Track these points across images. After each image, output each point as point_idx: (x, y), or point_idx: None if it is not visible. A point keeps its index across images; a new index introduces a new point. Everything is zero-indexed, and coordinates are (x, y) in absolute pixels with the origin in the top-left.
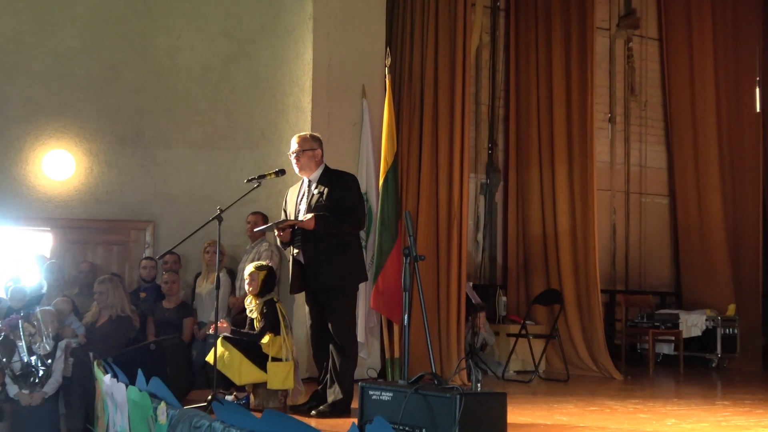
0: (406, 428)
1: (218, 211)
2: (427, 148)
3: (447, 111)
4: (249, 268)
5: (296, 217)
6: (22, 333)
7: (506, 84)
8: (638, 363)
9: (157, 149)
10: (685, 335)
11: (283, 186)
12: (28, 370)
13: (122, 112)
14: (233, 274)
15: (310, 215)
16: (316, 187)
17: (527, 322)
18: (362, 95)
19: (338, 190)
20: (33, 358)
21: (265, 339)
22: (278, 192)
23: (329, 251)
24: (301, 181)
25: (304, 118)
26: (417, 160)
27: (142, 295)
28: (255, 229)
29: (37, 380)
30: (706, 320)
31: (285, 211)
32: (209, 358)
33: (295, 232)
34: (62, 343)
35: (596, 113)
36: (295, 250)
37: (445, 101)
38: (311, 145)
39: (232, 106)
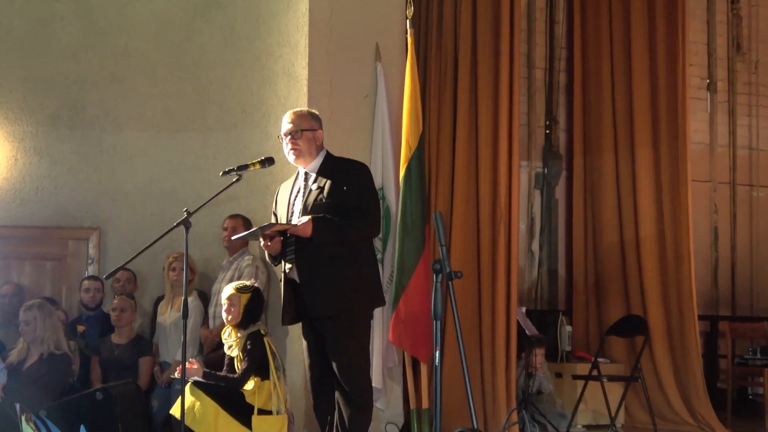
0: None
1: (185, 214)
2: (464, 128)
3: (489, 78)
4: (227, 290)
5: (289, 220)
6: None
7: (569, 40)
8: (750, 413)
9: (102, 132)
10: None
11: (271, 180)
12: None
13: (55, 82)
14: (206, 297)
15: (306, 218)
16: (315, 181)
17: (600, 359)
18: (375, 58)
19: (344, 185)
20: None
21: (249, 384)
22: (264, 188)
23: (333, 267)
24: (295, 174)
25: (298, 88)
26: (450, 143)
27: (80, 328)
28: (233, 237)
29: None
30: None
31: (275, 214)
32: (174, 410)
33: (287, 242)
34: None
35: (690, 79)
36: (288, 266)
37: (487, 64)
38: (310, 124)
39: (201, 74)
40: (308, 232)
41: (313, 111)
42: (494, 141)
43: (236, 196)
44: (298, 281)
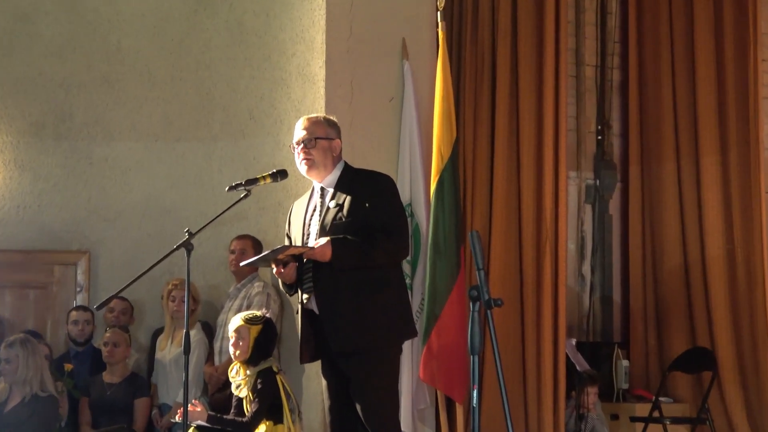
0: None
1: (186, 235)
2: (503, 134)
3: (532, 76)
4: (235, 322)
5: (304, 243)
6: None
7: (623, 33)
8: None
9: (91, 142)
10: None
11: (284, 196)
12: None
13: (38, 85)
14: (210, 330)
15: (324, 240)
16: (332, 197)
17: (662, 399)
18: (402, 56)
19: (366, 201)
20: None
21: (260, 429)
22: (276, 205)
23: (356, 295)
24: (310, 190)
25: (314, 91)
26: (488, 152)
27: (68, 367)
28: (242, 263)
29: None
30: None
31: (288, 236)
32: None
33: (303, 268)
34: None
35: (763, 76)
36: (305, 296)
37: (530, 61)
38: (326, 132)
39: (204, 75)
40: (327, 256)
41: (331, 117)
42: (538, 149)
43: (245, 215)
44: (316, 312)
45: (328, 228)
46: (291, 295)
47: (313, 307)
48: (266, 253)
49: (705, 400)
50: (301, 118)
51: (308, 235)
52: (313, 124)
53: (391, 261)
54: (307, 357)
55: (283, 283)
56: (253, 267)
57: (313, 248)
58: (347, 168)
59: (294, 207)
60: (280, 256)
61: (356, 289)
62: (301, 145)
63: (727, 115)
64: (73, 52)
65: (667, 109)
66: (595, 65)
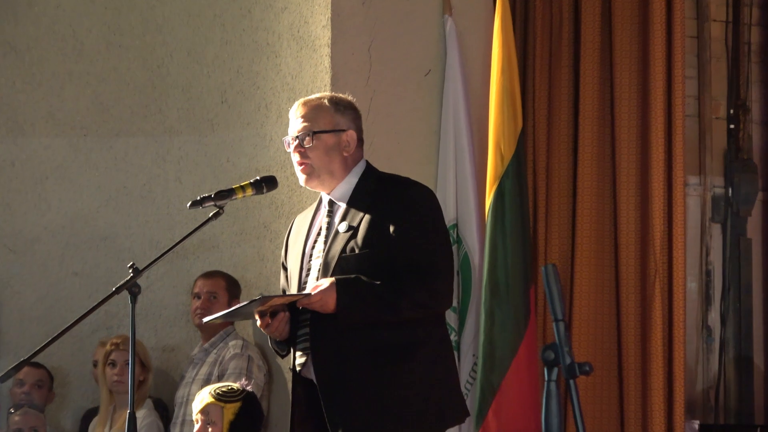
0: None
1: (130, 273)
2: (591, 123)
3: (632, 38)
4: (202, 398)
5: (303, 280)
6: None
7: None
8: None
9: None
10: None
11: (272, 215)
12: None
13: None
14: (164, 409)
15: (326, 282)
16: (344, 216)
17: None
18: (443, 10)
19: (392, 222)
20: None
21: None
22: (261, 227)
23: (372, 361)
24: (316, 202)
25: (316, 61)
26: (569, 149)
27: None
28: (205, 319)
29: None
30: None
31: (285, 268)
32: None
33: (298, 319)
34: None
35: None
36: (300, 359)
37: (628, 15)
38: (332, 121)
39: (153, 39)
40: (330, 306)
41: (341, 97)
42: (642, 145)
43: (215, 242)
44: (315, 382)
45: (333, 263)
46: (283, 357)
47: (311, 375)
48: (241, 305)
49: None
50: (298, 101)
51: (308, 270)
52: (313, 111)
53: (428, 311)
54: None
55: (272, 340)
56: (226, 322)
57: (309, 295)
58: (368, 172)
59: (294, 224)
60: (268, 306)
61: (372, 355)
62: (296, 143)
63: None
64: None
65: None
66: (725, 21)
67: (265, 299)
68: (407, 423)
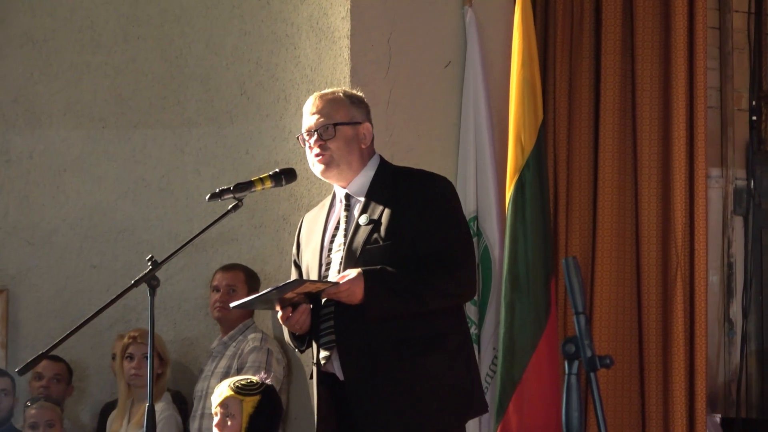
0: None
1: (149, 266)
2: (612, 115)
3: (654, 28)
4: (221, 391)
5: (323, 276)
6: None
7: None
8: None
9: (8, 131)
10: None
11: (291, 207)
12: None
13: None
14: (184, 402)
15: (353, 272)
16: (363, 209)
17: None
18: (463, 1)
19: (414, 215)
20: None
21: None
22: (280, 220)
23: (398, 356)
24: (329, 198)
25: (335, 53)
26: (590, 140)
27: None
28: (232, 304)
29: None
30: None
31: (297, 265)
32: None
33: (321, 312)
34: None
35: None
36: (323, 354)
37: (649, 9)
38: (350, 114)
39: (171, 32)
40: (358, 296)
41: (355, 93)
42: (663, 136)
43: (234, 235)
44: (340, 378)
45: (358, 254)
46: (302, 352)
47: (335, 370)
48: (269, 290)
49: None
50: (313, 95)
51: (328, 264)
52: (331, 104)
53: (450, 303)
54: None
55: (291, 334)
56: (246, 311)
57: (338, 284)
58: (384, 166)
59: (304, 222)
60: (288, 295)
61: (398, 348)
62: (314, 136)
63: None
64: None
65: None
66: (747, 11)
67: (296, 283)
68: (430, 416)
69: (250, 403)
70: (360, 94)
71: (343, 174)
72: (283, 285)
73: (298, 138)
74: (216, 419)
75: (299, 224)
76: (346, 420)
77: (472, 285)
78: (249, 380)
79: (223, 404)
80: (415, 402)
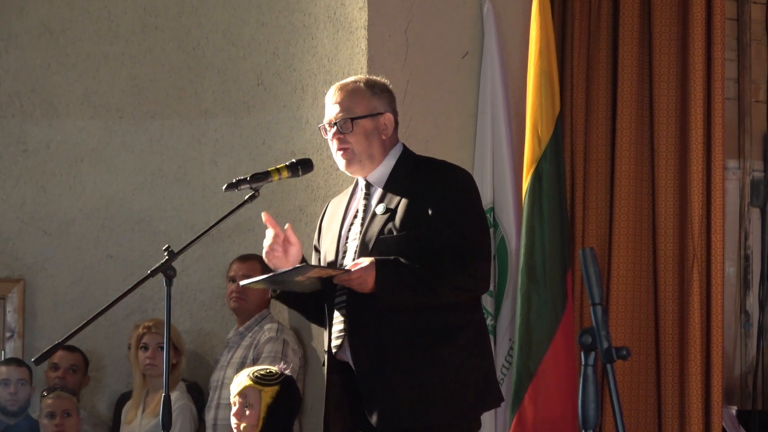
0: None
1: (165, 256)
2: (629, 106)
3: (672, 19)
4: (240, 381)
5: (340, 263)
6: None
7: None
8: None
9: (25, 121)
10: None
11: (308, 198)
12: None
13: None
14: (200, 393)
15: (366, 261)
16: (381, 199)
17: None
18: None
19: (430, 206)
20: None
21: None
22: (297, 210)
23: (411, 347)
24: (352, 185)
25: (352, 44)
26: (607, 132)
27: None
28: (242, 282)
29: None
30: None
31: (317, 250)
32: None
33: (334, 298)
34: None
35: None
36: (336, 341)
37: (667, 0)
38: (370, 106)
39: (189, 23)
40: (369, 285)
41: (377, 80)
42: (681, 127)
43: (250, 226)
44: (353, 367)
45: (371, 243)
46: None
47: (347, 358)
48: (280, 272)
49: None
50: (333, 86)
51: (344, 252)
52: (350, 96)
53: (466, 295)
54: (337, 430)
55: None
56: (262, 301)
57: (349, 271)
58: (405, 155)
59: (329, 208)
60: (300, 278)
61: (411, 339)
62: (334, 129)
63: None
64: None
65: None
66: (766, 2)
67: (307, 268)
68: (444, 408)
69: (269, 393)
70: (384, 80)
71: (366, 166)
72: (295, 269)
73: (319, 128)
74: (234, 408)
75: (324, 209)
76: (358, 408)
77: (486, 279)
78: (268, 370)
79: (242, 394)
80: (426, 394)
